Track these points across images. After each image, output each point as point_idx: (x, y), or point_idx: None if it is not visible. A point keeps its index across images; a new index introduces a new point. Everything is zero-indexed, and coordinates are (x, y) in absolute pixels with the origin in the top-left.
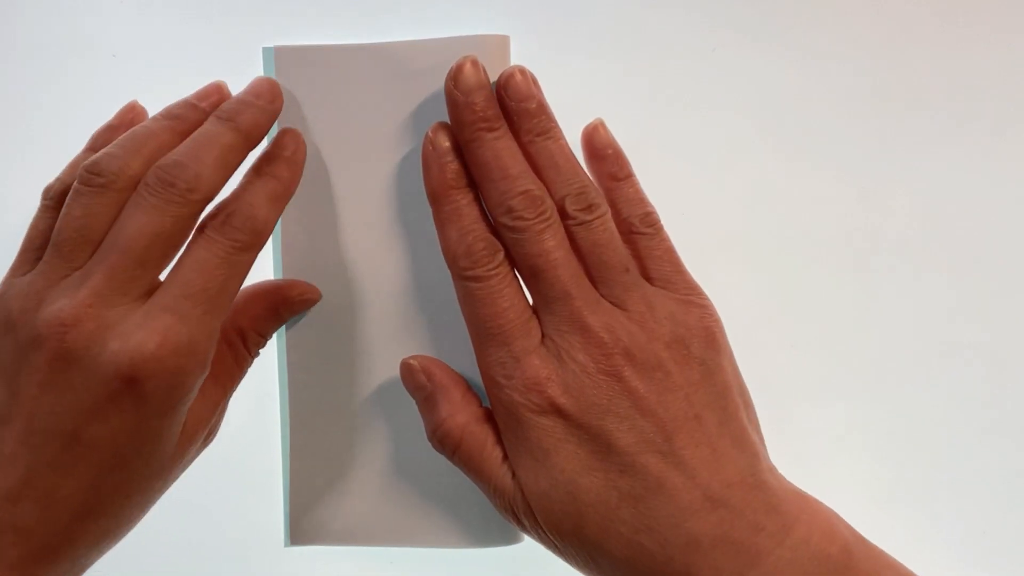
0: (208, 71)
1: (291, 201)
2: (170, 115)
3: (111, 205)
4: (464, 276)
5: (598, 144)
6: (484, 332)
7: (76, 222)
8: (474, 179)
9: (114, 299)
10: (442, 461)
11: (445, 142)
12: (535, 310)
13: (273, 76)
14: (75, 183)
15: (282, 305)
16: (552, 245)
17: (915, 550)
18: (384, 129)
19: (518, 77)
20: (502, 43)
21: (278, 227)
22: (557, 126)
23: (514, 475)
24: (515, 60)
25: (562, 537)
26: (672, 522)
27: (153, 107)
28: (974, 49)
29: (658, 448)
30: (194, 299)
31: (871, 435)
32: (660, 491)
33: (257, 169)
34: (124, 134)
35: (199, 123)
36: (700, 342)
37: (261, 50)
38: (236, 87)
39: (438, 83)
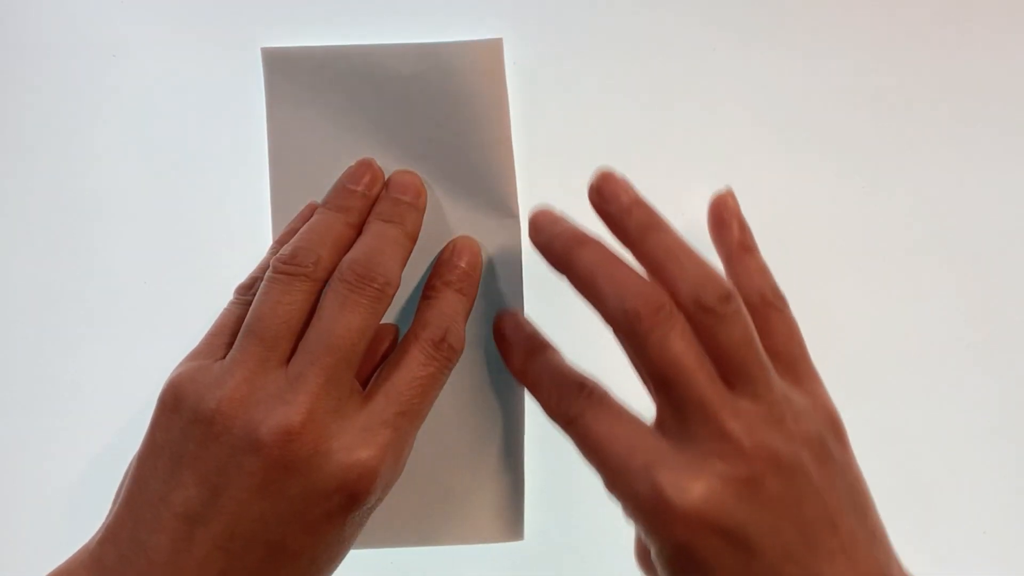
0: (208, 71)
1: (283, 202)
2: (338, 207)
3: (309, 294)
4: (559, 422)
5: (727, 215)
6: (604, 468)
7: (278, 309)
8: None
9: (330, 403)
10: (438, 459)
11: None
12: (659, 412)
13: (263, 77)
14: (270, 272)
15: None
16: (681, 348)
17: (915, 550)
18: (373, 131)
19: (606, 182)
20: (495, 47)
21: (269, 227)
22: (664, 219)
23: None
24: (510, 61)
25: None
26: None
27: (154, 107)
28: (975, 48)
29: (798, 560)
30: (409, 416)
31: (870, 435)
32: None
33: (443, 280)
34: (304, 227)
35: (365, 210)
36: (832, 437)
37: (260, 51)
38: (236, 87)
39: (429, 87)
